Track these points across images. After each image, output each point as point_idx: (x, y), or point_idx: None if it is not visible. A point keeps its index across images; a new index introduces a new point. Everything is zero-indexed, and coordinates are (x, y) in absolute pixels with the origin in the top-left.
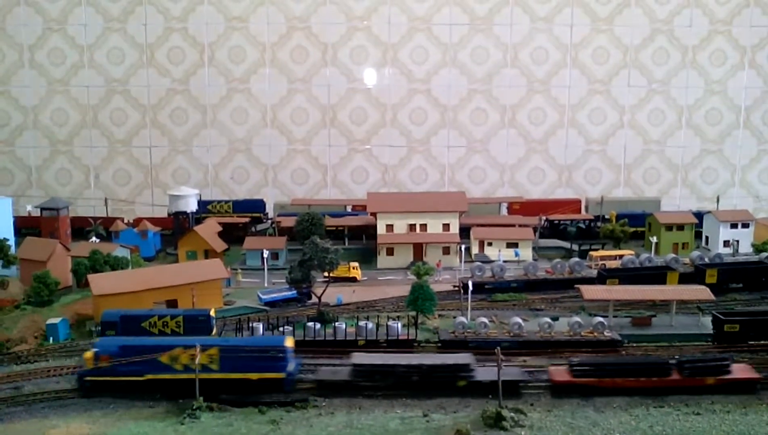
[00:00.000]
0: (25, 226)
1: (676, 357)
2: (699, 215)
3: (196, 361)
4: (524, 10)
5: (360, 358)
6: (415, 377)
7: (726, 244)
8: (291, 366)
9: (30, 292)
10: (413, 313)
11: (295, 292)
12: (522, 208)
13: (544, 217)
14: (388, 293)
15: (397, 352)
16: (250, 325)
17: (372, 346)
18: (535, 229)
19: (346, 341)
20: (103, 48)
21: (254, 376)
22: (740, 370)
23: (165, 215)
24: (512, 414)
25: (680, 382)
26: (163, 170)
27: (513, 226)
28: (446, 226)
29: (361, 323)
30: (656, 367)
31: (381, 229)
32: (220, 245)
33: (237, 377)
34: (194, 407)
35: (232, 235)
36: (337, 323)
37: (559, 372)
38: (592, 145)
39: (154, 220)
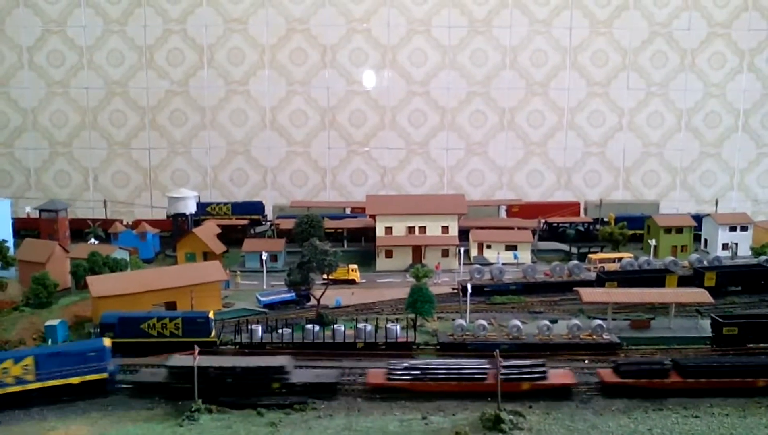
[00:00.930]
0: (24, 228)
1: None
2: (698, 218)
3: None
4: (523, 12)
5: (175, 360)
6: (229, 379)
7: (725, 247)
8: (111, 366)
9: (29, 293)
10: (412, 316)
11: (293, 294)
12: (521, 210)
13: (542, 220)
14: (387, 296)
15: (214, 355)
16: (249, 327)
17: (371, 348)
18: (533, 232)
19: (344, 344)
20: (103, 50)
21: (76, 380)
22: (557, 376)
23: (164, 217)
24: (511, 417)
25: (494, 386)
26: (162, 172)
27: (512, 228)
28: (445, 229)
29: (360, 326)
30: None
31: (380, 232)
32: (219, 247)
33: (57, 384)
34: (193, 409)
35: (231, 237)
36: (335, 326)
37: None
38: (591, 148)
39: (153, 222)
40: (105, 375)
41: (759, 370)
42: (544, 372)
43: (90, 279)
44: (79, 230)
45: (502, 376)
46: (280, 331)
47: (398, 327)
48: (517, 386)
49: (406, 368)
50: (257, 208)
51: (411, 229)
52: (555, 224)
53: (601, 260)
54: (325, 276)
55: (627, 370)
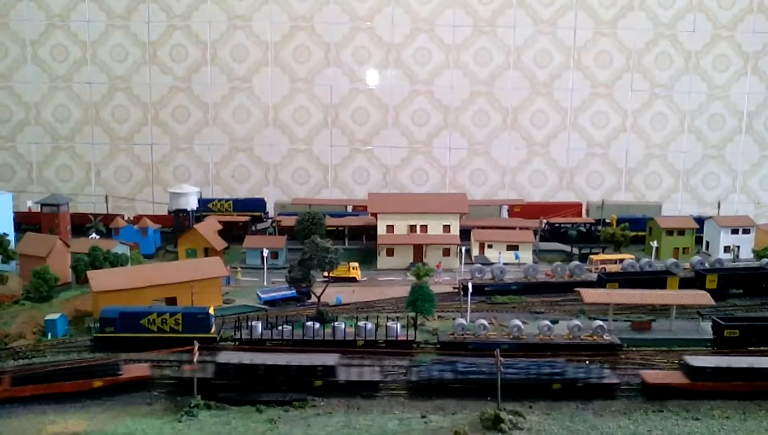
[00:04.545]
0: (25, 222)
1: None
2: (700, 220)
3: None
4: (528, 12)
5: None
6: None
7: (726, 249)
8: None
9: (29, 287)
10: (412, 314)
11: (294, 291)
12: (523, 210)
13: (544, 220)
14: (388, 294)
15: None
16: (249, 323)
17: (371, 346)
18: (535, 232)
19: (345, 341)
20: (106, 45)
21: None
22: (132, 371)
23: (165, 213)
24: (511, 416)
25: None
26: (164, 168)
27: (513, 228)
28: (447, 228)
29: (361, 323)
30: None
31: (381, 230)
32: (220, 244)
33: None
34: (192, 405)
35: (233, 233)
36: (336, 323)
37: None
38: (594, 149)
39: (154, 218)
40: None
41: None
42: (117, 368)
43: (90, 274)
44: (81, 225)
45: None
46: (280, 328)
47: (398, 325)
48: (89, 384)
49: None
50: (259, 205)
51: (412, 228)
52: (557, 225)
53: (603, 261)
54: (325, 273)
55: None
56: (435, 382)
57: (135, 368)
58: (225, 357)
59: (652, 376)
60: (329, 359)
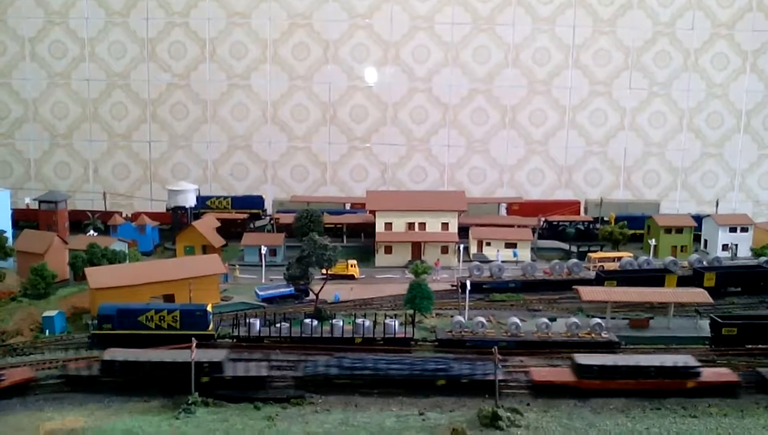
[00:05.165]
0: (23, 219)
1: None
2: (698, 218)
3: None
4: (527, 10)
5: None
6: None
7: (725, 247)
8: None
9: (27, 284)
10: (411, 312)
11: (292, 288)
12: (521, 208)
13: (543, 218)
14: (386, 291)
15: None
16: (247, 320)
17: (369, 343)
18: (533, 230)
19: (342, 339)
20: (105, 42)
21: None
22: (14, 375)
23: (163, 210)
24: (508, 414)
25: None
26: (162, 165)
27: (512, 226)
28: (445, 226)
29: (359, 321)
30: None
31: (380, 227)
32: (218, 241)
33: None
34: (189, 402)
35: (231, 230)
36: (334, 321)
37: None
38: (593, 147)
39: (152, 215)
40: None
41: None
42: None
43: (88, 270)
44: (79, 222)
45: None
46: (278, 325)
47: (397, 323)
48: None
49: None
50: (257, 202)
51: (411, 226)
52: (555, 223)
53: (601, 259)
54: (324, 271)
55: None
56: (320, 377)
57: (17, 372)
58: (111, 354)
59: (540, 373)
60: (216, 355)
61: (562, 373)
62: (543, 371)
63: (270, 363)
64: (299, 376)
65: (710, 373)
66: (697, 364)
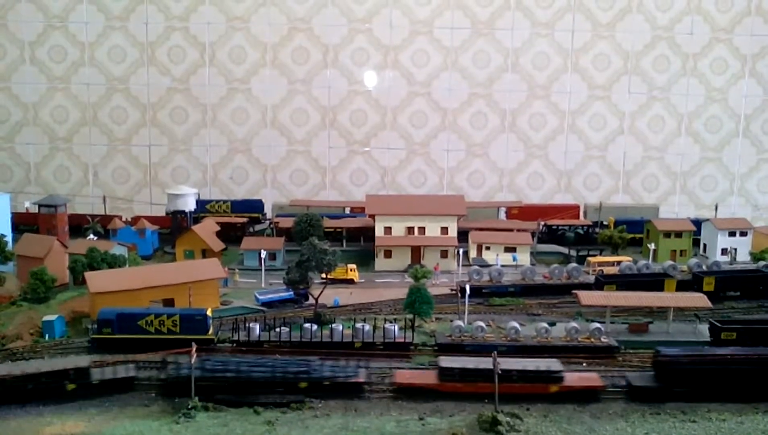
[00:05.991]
0: (22, 223)
1: None
2: (697, 223)
3: None
4: (526, 15)
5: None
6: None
7: (724, 252)
8: None
9: (26, 288)
10: (410, 316)
11: (292, 293)
12: (520, 212)
13: (542, 222)
14: (386, 296)
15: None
16: (247, 325)
17: (368, 348)
18: (533, 234)
19: (342, 343)
20: (104, 46)
21: None
22: None
23: (163, 214)
24: (508, 419)
25: None
26: (162, 169)
27: (511, 230)
28: (444, 230)
29: (358, 325)
30: None
31: (379, 232)
32: (217, 245)
33: None
34: (189, 406)
35: (230, 235)
36: (333, 325)
37: None
38: (592, 151)
39: (152, 219)
40: None
41: None
42: None
43: (88, 275)
44: (78, 226)
45: None
46: (277, 329)
47: (396, 327)
48: None
49: None
50: (257, 206)
51: (410, 230)
52: (554, 227)
53: (600, 263)
54: (323, 275)
55: None
56: (183, 379)
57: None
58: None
59: (404, 376)
60: (81, 361)
61: (425, 376)
62: (406, 374)
63: (137, 363)
64: (162, 378)
65: (574, 378)
66: (561, 368)
